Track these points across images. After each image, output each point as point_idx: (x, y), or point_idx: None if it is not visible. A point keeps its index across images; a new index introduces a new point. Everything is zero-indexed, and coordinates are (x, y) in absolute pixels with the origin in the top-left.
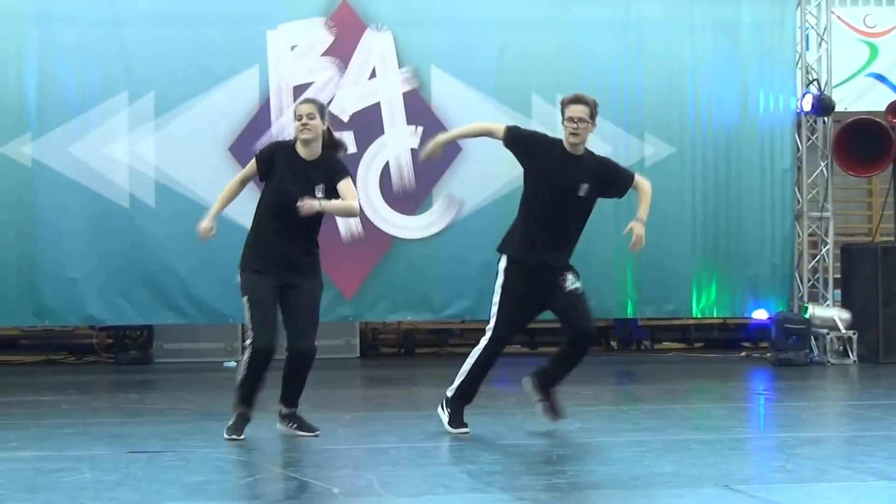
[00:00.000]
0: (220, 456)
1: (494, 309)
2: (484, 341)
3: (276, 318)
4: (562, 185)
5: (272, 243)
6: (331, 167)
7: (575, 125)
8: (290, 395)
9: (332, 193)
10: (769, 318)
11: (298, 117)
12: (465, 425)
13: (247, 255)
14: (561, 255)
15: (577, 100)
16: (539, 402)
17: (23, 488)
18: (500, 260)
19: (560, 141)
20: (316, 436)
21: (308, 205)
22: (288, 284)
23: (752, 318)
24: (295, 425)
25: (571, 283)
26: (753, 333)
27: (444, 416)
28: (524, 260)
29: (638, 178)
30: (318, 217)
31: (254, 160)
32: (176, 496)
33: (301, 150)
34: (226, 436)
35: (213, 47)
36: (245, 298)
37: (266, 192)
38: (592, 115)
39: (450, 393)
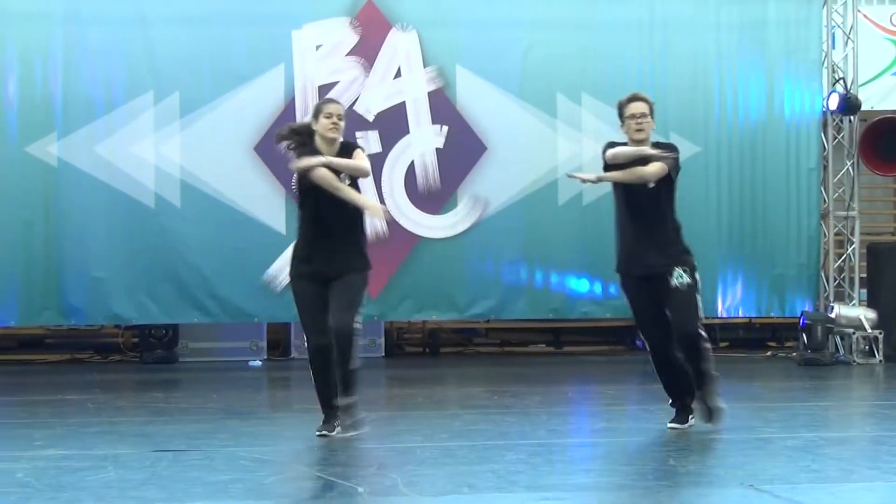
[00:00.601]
0: (244, 455)
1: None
2: None
3: (325, 317)
4: (634, 186)
5: (310, 245)
6: (346, 150)
7: (638, 121)
8: (338, 383)
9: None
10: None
11: (328, 115)
12: (685, 420)
13: (293, 262)
14: (665, 252)
15: (635, 98)
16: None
17: (48, 487)
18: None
19: (623, 144)
20: (352, 436)
21: (305, 161)
22: (331, 279)
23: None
24: (337, 427)
25: (677, 278)
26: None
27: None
28: (632, 272)
29: (657, 159)
30: (348, 210)
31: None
32: (201, 495)
33: (323, 147)
34: (317, 432)
35: (238, 47)
36: (295, 306)
37: (300, 198)
38: (651, 112)
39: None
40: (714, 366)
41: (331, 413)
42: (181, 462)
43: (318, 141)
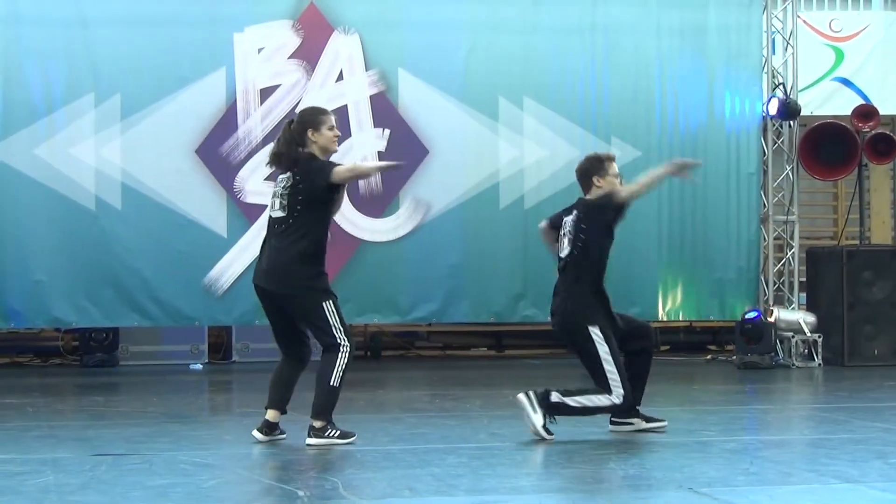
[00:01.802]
0: (184, 459)
1: (612, 375)
2: (607, 399)
3: None
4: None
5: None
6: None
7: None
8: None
9: None
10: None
11: (332, 127)
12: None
13: (322, 268)
14: None
15: (614, 158)
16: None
17: None
18: (588, 328)
19: None
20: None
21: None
22: None
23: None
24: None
25: None
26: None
27: (538, 417)
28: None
29: (622, 190)
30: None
31: None
32: (140, 499)
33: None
34: (351, 440)
35: (179, 49)
36: (330, 303)
37: (326, 211)
38: None
39: (554, 399)
40: None
41: None
42: (120, 466)
43: (316, 153)
